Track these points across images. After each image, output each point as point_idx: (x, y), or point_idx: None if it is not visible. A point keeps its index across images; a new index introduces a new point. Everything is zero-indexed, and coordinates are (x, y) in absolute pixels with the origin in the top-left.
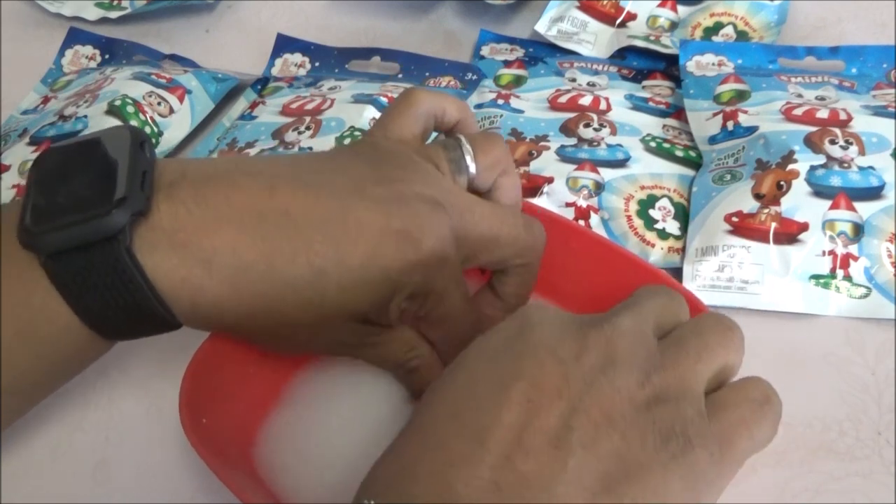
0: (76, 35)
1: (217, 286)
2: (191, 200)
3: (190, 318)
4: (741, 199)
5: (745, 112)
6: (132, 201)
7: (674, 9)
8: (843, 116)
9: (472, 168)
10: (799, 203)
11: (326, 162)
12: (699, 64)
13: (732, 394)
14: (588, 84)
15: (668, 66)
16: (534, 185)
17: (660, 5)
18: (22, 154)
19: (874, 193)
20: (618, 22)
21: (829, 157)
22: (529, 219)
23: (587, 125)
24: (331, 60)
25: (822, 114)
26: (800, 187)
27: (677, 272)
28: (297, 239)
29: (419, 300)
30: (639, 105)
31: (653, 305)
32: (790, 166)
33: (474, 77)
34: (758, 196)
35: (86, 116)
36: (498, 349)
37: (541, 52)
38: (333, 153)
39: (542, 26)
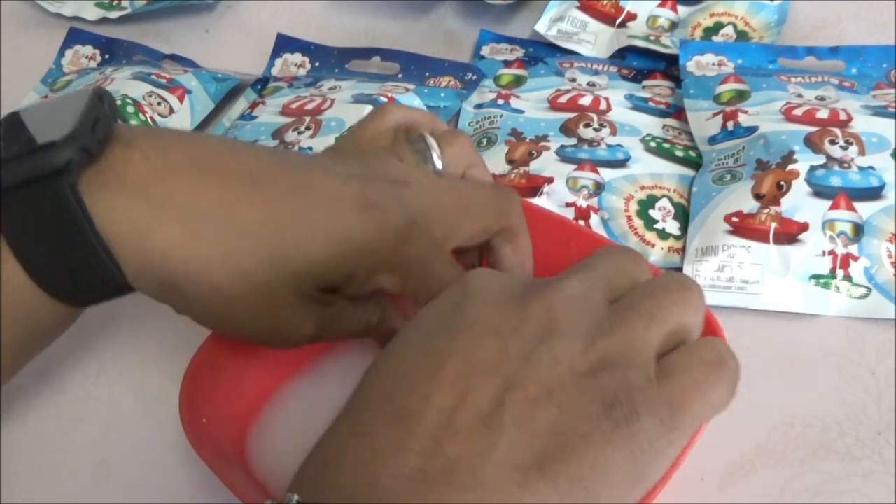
0: (76, 35)
1: (167, 228)
2: (150, 149)
3: (134, 267)
4: (741, 199)
5: (745, 112)
6: (79, 139)
7: (674, 9)
8: (843, 116)
9: (437, 160)
10: (799, 203)
11: (291, 152)
12: (699, 64)
13: (685, 356)
14: (588, 84)
15: (668, 66)
16: (534, 185)
17: (660, 5)
18: None
19: (874, 193)
20: (618, 22)
21: (829, 157)
22: (499, 186)
23: (587, 125)
24: (331, 60)
25: (822, 114)
26: (800, 187)
27: (677, 272)
28: (258, 192)
29: (398, 276)
30: (639, 105)
31: (606, 266)
32: (790, 166)
33: (474, 77)
34: (758, 196)
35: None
36: (434, 324)
37: (541, 52)
38: (296, 152)
39: (542, 26)
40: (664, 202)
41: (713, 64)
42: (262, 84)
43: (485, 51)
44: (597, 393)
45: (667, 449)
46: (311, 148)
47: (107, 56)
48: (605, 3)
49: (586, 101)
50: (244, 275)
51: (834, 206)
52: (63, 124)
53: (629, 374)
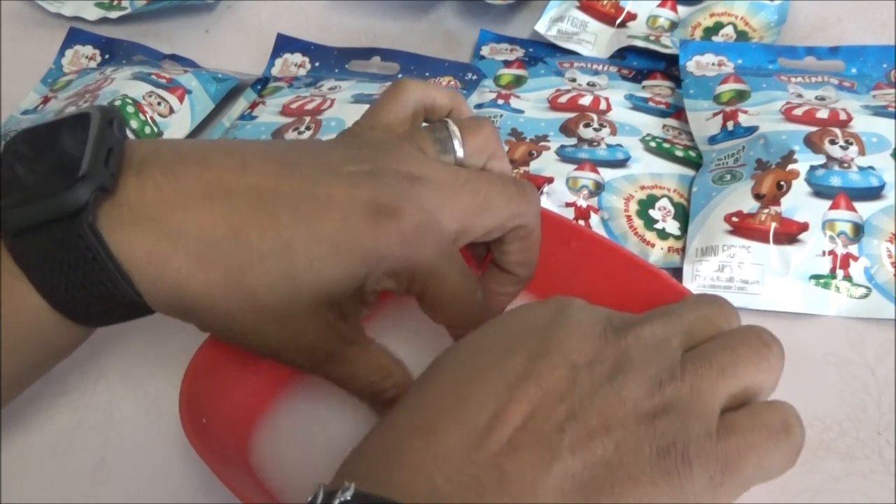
0: (76, 35)
1: (183, 260)
2: (160, 176)
3: (156, 297)
4: (741, 199)
5: (745, 112)
6: (95, 177)
7: (674, 9)
8: (843, 116)
9: (459, 150)
10: (799, 203)
11: (303, 145)
12: (699, 64)
13: (749, 417)
14: (588, 84)
15: (668, 66)
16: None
17: (660, 5)
18: None
19: (874, 193)
20: (618, 22)
21: (829, 157)
22: (519, 181)
23: (587, 125)
24: (331, 60)
25: (822, 114)
26: (800, 187)
27: (677, 272)
28: (265, 213)
29: (404, 277)
30: (639, 105)
31: (689, 314)
32: (790, 166)
33: (474, 77)
34: (758, 196)
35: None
36: (519, 340)
37: (541, 52)
38: (311, 140)
39: (542, 26)
40: (664, 202)
41: (713, 64)
42: (262, 84)
43: (485, 51)
44: (654, 437)
45: None
46: None
47: (107, 56)
48: (605, 3)
49: (586, 101)
50: (258, 301)
51: (834, 206)
52: (76, 152)
53: (689, 424)
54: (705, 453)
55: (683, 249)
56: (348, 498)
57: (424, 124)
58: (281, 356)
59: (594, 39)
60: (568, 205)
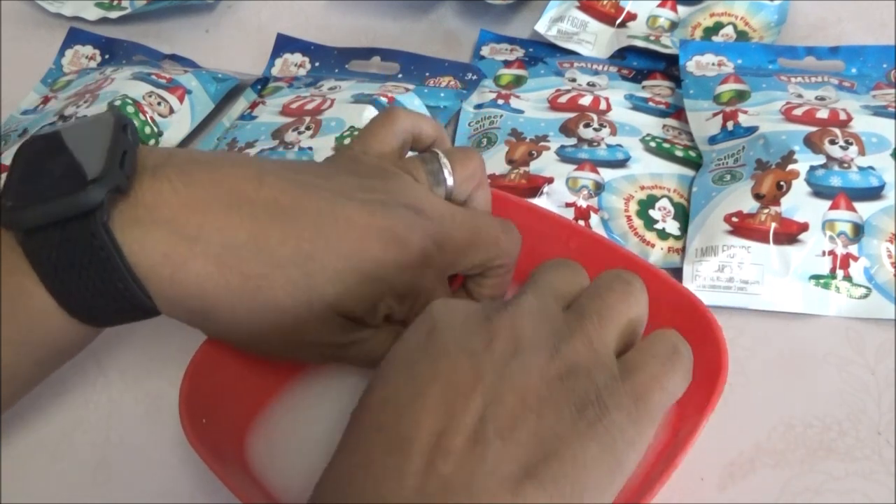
0: (76, 35)
1: (202, 263)
2: (177, 179)
3: (168, 299)
4: (741, 199)
5: (745, 112)
6: (110, 178)
7: (674, 9)
8: (843, 116)
9: (450, 180)
10: (799, 203)
11: (311, 168)
12: (699, 64)
13: (641, 353)
14: (588, 84)
15: (668, 66)
16: (534, 186)
17: (660, 5)
18: None
19: (874, 193)
20: (618, 22)
21: (829, 158)
22: (506, 222)
23: (587, 125)
24: (331, 60)
25: (822, 114)
26: (800, 187)
27: (677, 272)
28: (287, 224)
29: (408, 302)
30: (639, 105)
31: (551, 278)
32: (790, 166)
33: (474, 77)
34: (758, 196)
35: (86, 116)
36: (412, 353)
37: (541, 52)
38: (315, 163)
39: (542, 26)
40: (664, 202)
41: (713, 64)
42: (262, 84)
43: (485, 51)
44: (569, 395)
45: (637, 438)
46: (311, 148)
47: (107, 56)
48: (605, 3)
49: (586, 101)
50: (277, 305)
51: (834, 207)
52: (91, 155)
53: (594, 375)
54: (617, 395)
55: (683, 249)
56: None
57: (412, 153)
58: (289, 357)
59: (594, 39)
60: (568, 205)
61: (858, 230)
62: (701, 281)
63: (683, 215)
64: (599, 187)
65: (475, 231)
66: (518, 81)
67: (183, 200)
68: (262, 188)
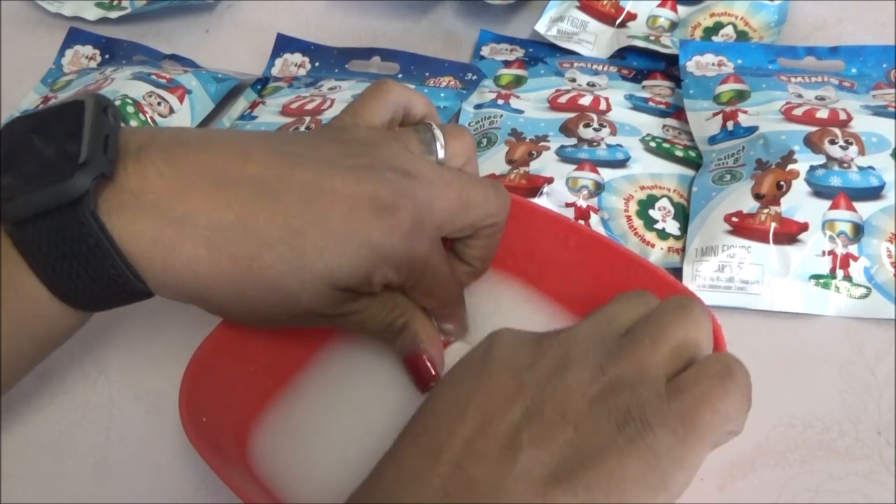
0: (76, 35)
1: (191, 247)
2: (161, 162)
3: (161, 284)
4: (741, 199)
5: (745, 112)
6: (94, 164)
7: (674, 9)
8: (842, 116)
9: (441, 152)
10: (799, 203)
11: (297, 137)
12: (699, 64)
13: (693, 373)
14: (588, 84)
15: (668, 66)
16: (534, 186)
17: (660, 5)
18: None
19: (874, 193)
20: (618, 22)
21: (829, 157)
22: (494, 182)
23: (587, 125)
24: (331, 60)
25: (822, 114)
26: (800, 187)
27: (677, 272)
28: (274, 201)
29: (404, 270)
30: (639, 105)
31: (614, 308)
32: (790, 166)
33: (474, 77)
34: (758, 196)
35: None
36: (464, 372)
37: (541, 52)
38: (302, 133)
39: (542, 26)
40: (664, 202)
41: (713, 64)
42: (262, 84)
43: (485, 51)
44: (610, 413)
45: (685, 457)
46: None
47: (107, 56)
48: (605, 3)
49: (586, 101)
50: (269, 283)
51: (834, 206)
52: (74, 140)
53: (639, 392)
54: (661, 413)
55: (683, 249)
56: None
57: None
58: (290, 325)
59: (594, 39)
60: (568, 205)
61: (858, 230)
62: (701, 281)
63: (683, 215)
64: (599, 187)
65: (465, 191)
66: (518, 81)
67: (168, 183)
68: (248, 165)
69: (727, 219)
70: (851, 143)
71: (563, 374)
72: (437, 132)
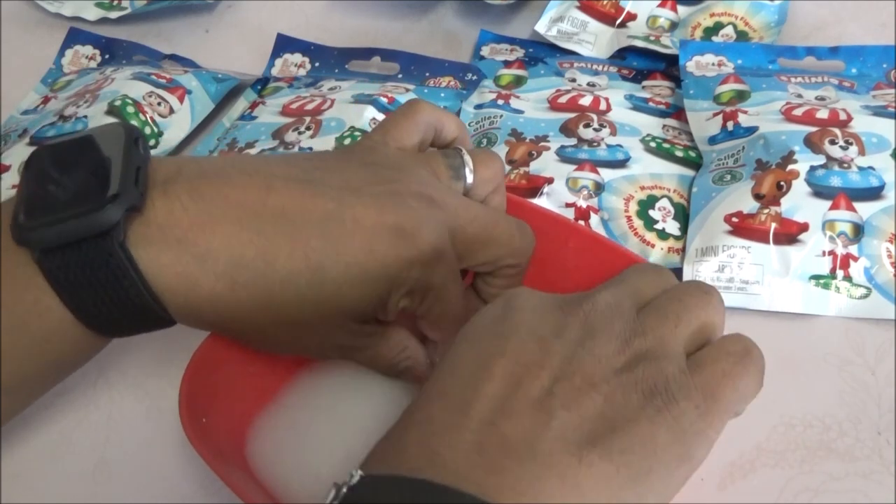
0: (76, 35)
1: (213, 283)
2: (186, 196)
3: (184, 315)
4: (741, 199)
5: (745, 112)
6: (126, 197)
7: (674, 9)
8: (843, 117)
9: (470, 178)
10: (799, 203)
11: (322, 162)
12: (699, 64)
13: (713, 350)
14: (588, 84)
15: (668, 67)
16: (534, 186)
17: (660, 5)
18: (22, 154)
19: (874, 193)
20: (618, 22)
21: (829, 158)
22: (521, 223)
23: (587, 125)
24: (331, 60)
25: (822, 114)
26: (800, 187)
27: (677, 272)
28: (294, 236)
29: (418, 297)
30: (639, 105)
31: (634, 280)
32: (790, 166)
33: (474, 77)
34: (758, 196)
35: (86, 117)
36: (481, 332)
37: (541, 53)
38: (330, 154)
39: (542, 26)
40: (664, 202)
41: (713, 64)
42: (262, 84)
43: (485, 51)
44: (637, 384)
45: (707, 430)
46: (311, 148)
47: (107, 56)
48: (605, 3)
49: (586, 101)
50: (289, 318)
51: (834, 207)
52: (104, 169)
53: (663, 366)
54: (685, 387)
55: (683, 250)
56: (355, 483)
57: (432, 149)
58: (305, 354)
59: (594, 39)
60: (568, 205)
61: (858, 230)
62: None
63: (683, 215)
64: (599, 187)
65: (489, 227)
66: (518, 82)
67: (192, 219)
68: (270, 196)
69: (727, 219)
70: (851, 144)
71: (590, 344)
72: (467, 157)
